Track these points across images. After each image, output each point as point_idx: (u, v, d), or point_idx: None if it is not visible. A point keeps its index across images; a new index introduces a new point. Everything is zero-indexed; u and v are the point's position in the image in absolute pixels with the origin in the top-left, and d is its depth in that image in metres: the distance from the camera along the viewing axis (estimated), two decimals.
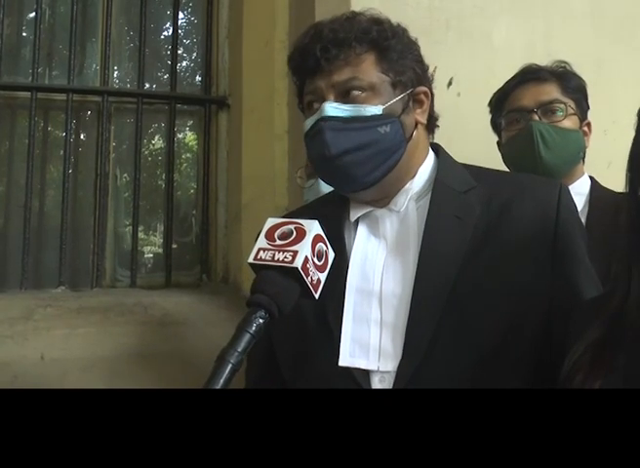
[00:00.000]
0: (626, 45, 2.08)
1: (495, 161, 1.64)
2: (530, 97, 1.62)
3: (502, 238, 1.13)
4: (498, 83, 1.91)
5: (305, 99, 1.21)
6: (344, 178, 1.16)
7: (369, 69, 1.15)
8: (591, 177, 1.70)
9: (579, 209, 1.47)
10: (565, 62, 1.67)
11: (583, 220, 1.54)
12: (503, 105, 1.68)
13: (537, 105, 1.60)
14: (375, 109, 1.13)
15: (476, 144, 1.77)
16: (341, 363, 1.11)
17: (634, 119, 1.65)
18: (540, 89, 1.63)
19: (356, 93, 1.14)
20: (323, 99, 1.15)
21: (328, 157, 1.12)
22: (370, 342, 1.11)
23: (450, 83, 1.84)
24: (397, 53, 1.18)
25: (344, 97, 1.14)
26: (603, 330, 0.88)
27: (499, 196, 1.17)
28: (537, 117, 1.59)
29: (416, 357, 1.07)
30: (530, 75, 1.65)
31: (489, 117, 1.77)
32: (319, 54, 1.14)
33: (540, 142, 1.57)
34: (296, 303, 0.95)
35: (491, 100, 1.73)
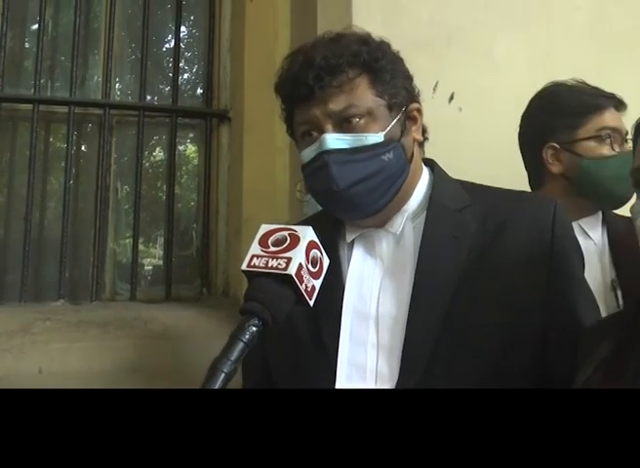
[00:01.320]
0: (627, 60, 2.08)
1: (494, 176, 1.63)
2: None
3: (499, 256, 1.12)
4: (499, 98, 1.91)
5: (300, 129, 1.18)
6: (352, 209, 1.15)
7: (364, 94, 1.14)
8: None
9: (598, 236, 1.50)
10: None
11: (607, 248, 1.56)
12: None
13: None
14: (376, 137, 1.12)
15: (477, 159, 1.77)
16: (338, 386, 1.09)
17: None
18: None
19: (355, 120, 1.12)
20: (321, 130, 1.13)
21: (336, 191, 1.11)
22: (367, 366, 1.10)
23: (451, 98, 1.84)
24: (389, 73, 1.17)
25: (342, 125, 1.12)
26: (612, 346, 0.87)
27: (494, 214, 1.17)
28: None
29: (412, 380, 1.06)
30: None
31: (490, 132, 1.76)
32: (312, 82, 1.12)
33: None
34: (290, 312, 0.93)
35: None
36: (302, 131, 1.17)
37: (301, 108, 1.16)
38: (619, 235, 1.59)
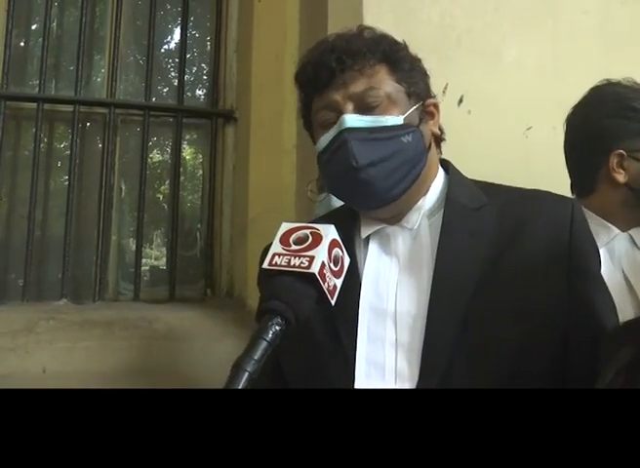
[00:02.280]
0: (635, 63, 2.07)
1: (503, 179, 1.63)
2: None
3: (517, 256, 1.12)
4: (508, 100, 1.91)
5: (318, 116, 1.18)
6: (367, 193, 1.13)
7: (384, 79, 1.15)
8: None
9: None
10: None
11: None
12: None
13: None
14: (396, 119, 1.13)
15: (486, 162, 1.76)
16: (357, 385, 1.08)
17: None
18: None
19: (375, 103, 1.12)
20: (340, 112, 1.13)
21: (355, 168, 1.09)
22: (385, 364, 1.09)
23: (461, 100, 1.84)
24: (408, 63, 1.19)
25: (363, 108, 1.13)
26: (634, 350, 0.86)
27: (511, 213, 1.16)
28: None
29: (433, 378, 1.05)
30: None
31: (499, 134, 1.75)
32: (334, 65, 1.13)
33: None
34: (312, 310, 0.93)
35: None
36: (322, 118, 1.17)
37: (322, 94, 1.16)
38: None
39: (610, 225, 1.49)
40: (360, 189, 1.14)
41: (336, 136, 1.13)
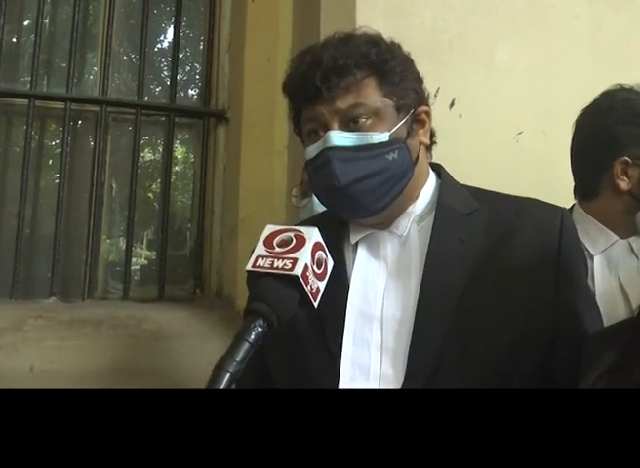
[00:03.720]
0: (626, 68, 2.08)
1: (494, 183, 1.63)
2: None
3: (506, 262, 1.12)
4: (500, 104, 1.92)
5: (306, 127, 1.17)
6: (353, 207, 1.14)
7: (371, 94, 1.13)
8: None
9: None
10: None
11: None
12: None
13: None
14: (381, 136, 1.11)
15: (477, 165, 1.77)
16: (342, 387, 1.09)
17: None
18: None
19: (361, 120, 1.11)
20: (326, 127, 1.12)
21: (337, 188, 1.10)
22: (370, 367, 1.09)
23: (452, 104, 1.84)
24: (398, 75, 1.16)
25: (349, 124, 1.11)
26: (615, 356, 0.87)
27: (501, 219, 1.16)
28: None
29: (418, 383, 1.05)
30: None
31: (490, 138, 1.75)
32: (319, 83, 1.11)
33: None
34: (295, 313, 0.93)
35: None
36: (309, 129, 1.16)
37: (309, 107, 1.15)
38: None
39: (609, 232, 1.48)
40: (345, 204, 1.14)
41: (319, 154, 1.12)
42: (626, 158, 1.45)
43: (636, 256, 1.48)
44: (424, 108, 1.20)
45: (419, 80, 1.21)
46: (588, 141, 1.53)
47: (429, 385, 1.04)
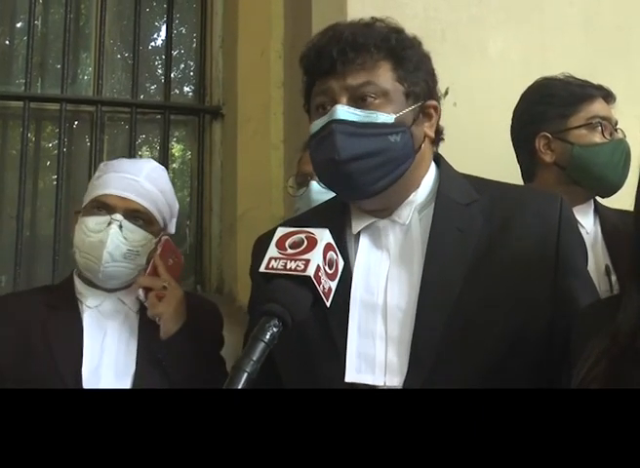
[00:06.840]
0: (620, 55, 2.09)
1: (489, 171, 1.63)
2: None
3: (505, 252, 1.12)
4: (493, 93, 1.91)
5: (315, 101, 1.18)
6: (348, 185, 1.14)
7: (383, 76, 1.13)
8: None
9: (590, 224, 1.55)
10: None
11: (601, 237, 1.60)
12: None
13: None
14: (387, 117, 1.12)
15: (472, 154, 1.77)
16: (348, 379, 1.09)
17: (629, 131, 1.67)
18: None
19: (370, 99, 1.12)
20: (335, 102, 1.13)
21: (336, 161, 1.10)
22: (376, 357, 1.10)
23: (446, 93, 1.84)
24: (413, 63, 1.16)
25: (357, 101, 1.12)
26: (611, 334, 0.87)
27: (500, 209, 1.16)
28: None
29: (422, 372, 1.05)
30: None
31: (484, 127, 1.76)
32: (336, 56, 1.12)
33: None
34: (308, 312, 0.94)
35: None
36: (318, 102, 1.17)
37: (321, 80, 1.16)
38: (610, 223, 1.61)
39: None
40: (342, 180, 1.14)
41: (324, 126, 1.13)
42: (545, 133, 1.60)
43: (582, 225, 1.54)
44: (433, 103, 1.20)
45: (432, 76, 1.22)
46: (516, 127, 1.69)
47: (432, 374, 1.05)
